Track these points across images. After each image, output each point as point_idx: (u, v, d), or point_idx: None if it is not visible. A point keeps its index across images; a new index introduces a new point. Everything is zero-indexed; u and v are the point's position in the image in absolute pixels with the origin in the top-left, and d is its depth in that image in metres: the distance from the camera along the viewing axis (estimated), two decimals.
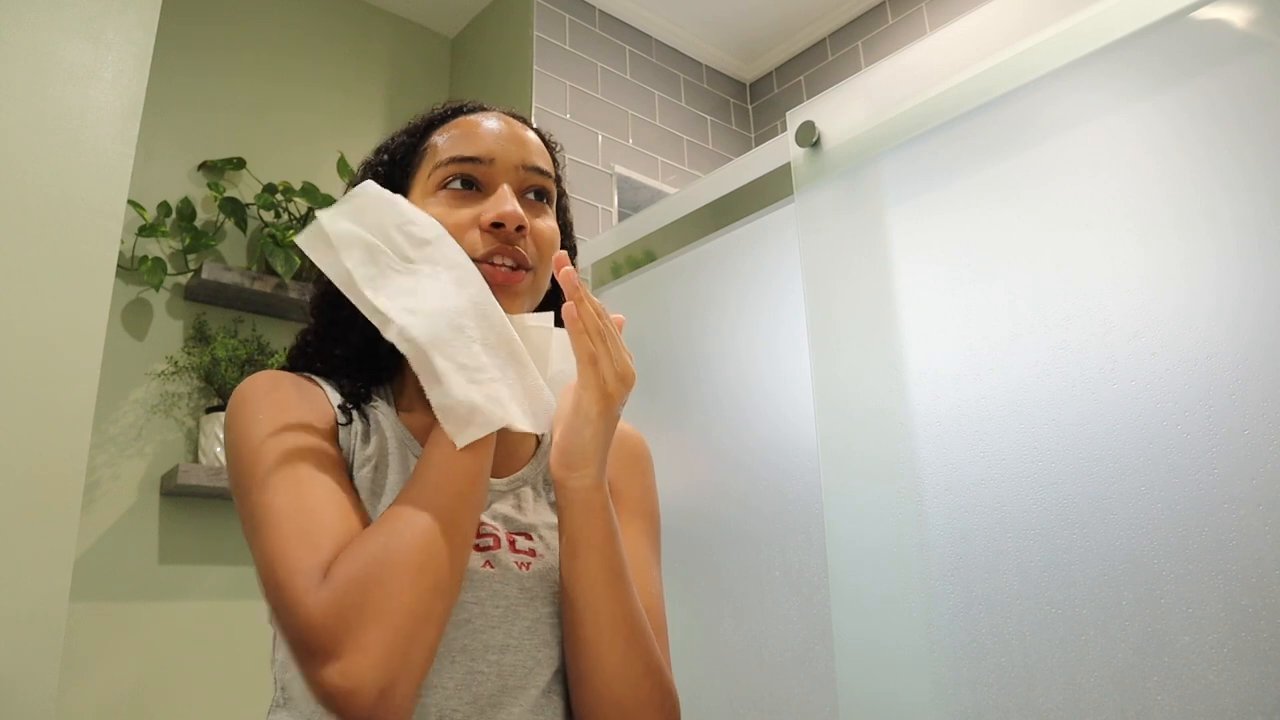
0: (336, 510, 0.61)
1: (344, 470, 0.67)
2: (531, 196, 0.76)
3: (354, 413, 0.72)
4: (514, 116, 0.80)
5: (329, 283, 0.74)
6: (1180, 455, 0.90)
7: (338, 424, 0.70)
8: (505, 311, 0.70)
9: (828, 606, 1.18)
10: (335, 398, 0.72)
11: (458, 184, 0.73)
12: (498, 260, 0.71)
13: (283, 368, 0.77)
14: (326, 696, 0.54)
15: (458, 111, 0.79)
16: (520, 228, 0.71)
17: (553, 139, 0.84)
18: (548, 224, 0.76)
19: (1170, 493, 0.90)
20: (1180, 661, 0.86)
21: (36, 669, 1.12)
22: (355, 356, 0.76)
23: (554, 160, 0.82)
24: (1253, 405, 0.85)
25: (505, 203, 0.71)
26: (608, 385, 0.65)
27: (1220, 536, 0.85)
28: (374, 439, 0.70)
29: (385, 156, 0.79)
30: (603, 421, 0.66)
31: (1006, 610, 1.00)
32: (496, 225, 0.71)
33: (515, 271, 0.72)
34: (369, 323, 0.67)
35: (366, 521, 0.63)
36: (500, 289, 0.71)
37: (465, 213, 0.72)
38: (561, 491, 0.68)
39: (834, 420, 1.23)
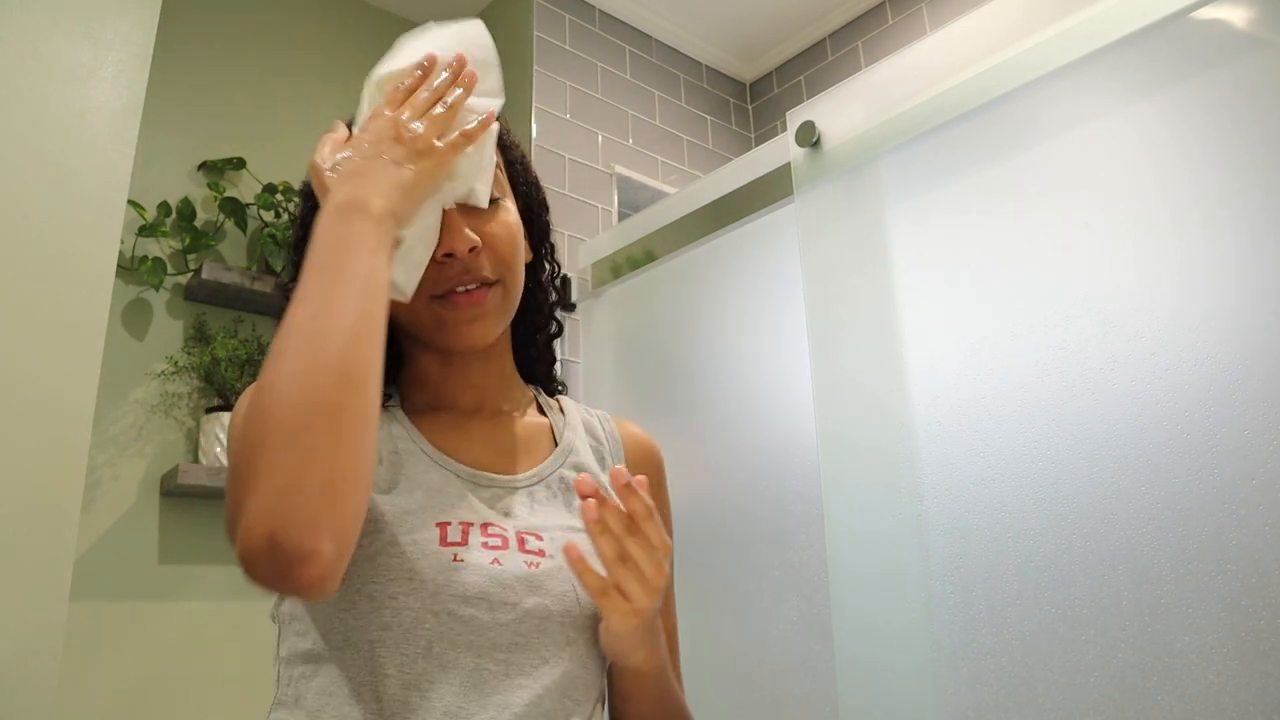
0: None
1: None
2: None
3: None
4: None
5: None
6: (1180, 454, 0.90)
7: None
8: (479, 339, 0.71)
9: (828, 606, 1.18)
10: None
11: None
12: (460, 289, 0.69)
13: None
14: (245, 572, 0.52)
15: None
16: (473, 249, 0.69)
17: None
18: (503, 223, 0.73)
19: (1170, 492, 0.90)
20: (1180, 661, 0.86)
21: (36, 669, 1.12)
22: None
23: (503, 145, 0.78)
24: (1252, 404, 0.85)
25: (451, 235, 0.68)
26: (637, 605, 0.62)
27: (1220, 536, 0.85)
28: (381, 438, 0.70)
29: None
30: (637, 627, 0.65)
31: (1006, 610, 1.00)
32: (448, 256, 0.69)
33: (476, 292, 0.70)
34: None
35: None
36: (465, 319, 0.69)
37: None
38: (613, 661, 0.71)
39: (834, 420, 1.23)
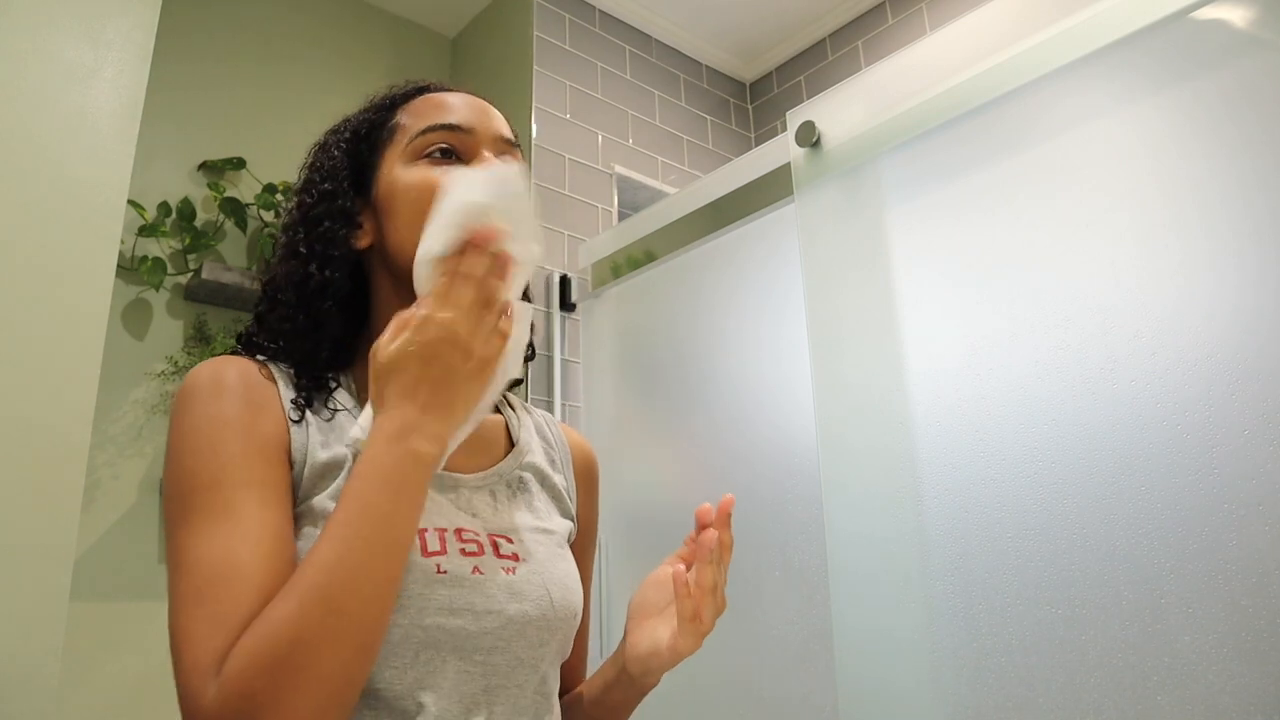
0: (258, 568, 0.56)
1: (283, 492, 0.62)
2: None
3: (308, 411, 0.67)
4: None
5: (286, 258, 0.73)
6: (1180, 454, 0.90)
7: (290, 422, 0.66)
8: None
9: (828, 605, 1.18)
10: (289, 391, 0.68)
11: (438, 152, 0.72)
12: None
13: (234, 351, 0.72)
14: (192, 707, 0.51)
15: (422, 90, 0.79)
16: None
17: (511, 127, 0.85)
18: None
19: (1170, 492, 0.90)
20: (1180, 661, 0.86)
21: (36, 669, 1.12)
22: (317, 340, 0.71)
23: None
24: (1252, 404, 0.85)
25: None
26: (705, 629, 0.68)
27: (1220, 537, 0.85)
28: (335, 442, 0.67)
29: (348, 134, 0.77)
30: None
31: (1006, 609, 1.00)
32: None
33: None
34: (338, 305, 0.71)
35: (293, 565, 0.58)
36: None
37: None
38: (630, 678, 0.74)
39: (834, 419, 1.23)
